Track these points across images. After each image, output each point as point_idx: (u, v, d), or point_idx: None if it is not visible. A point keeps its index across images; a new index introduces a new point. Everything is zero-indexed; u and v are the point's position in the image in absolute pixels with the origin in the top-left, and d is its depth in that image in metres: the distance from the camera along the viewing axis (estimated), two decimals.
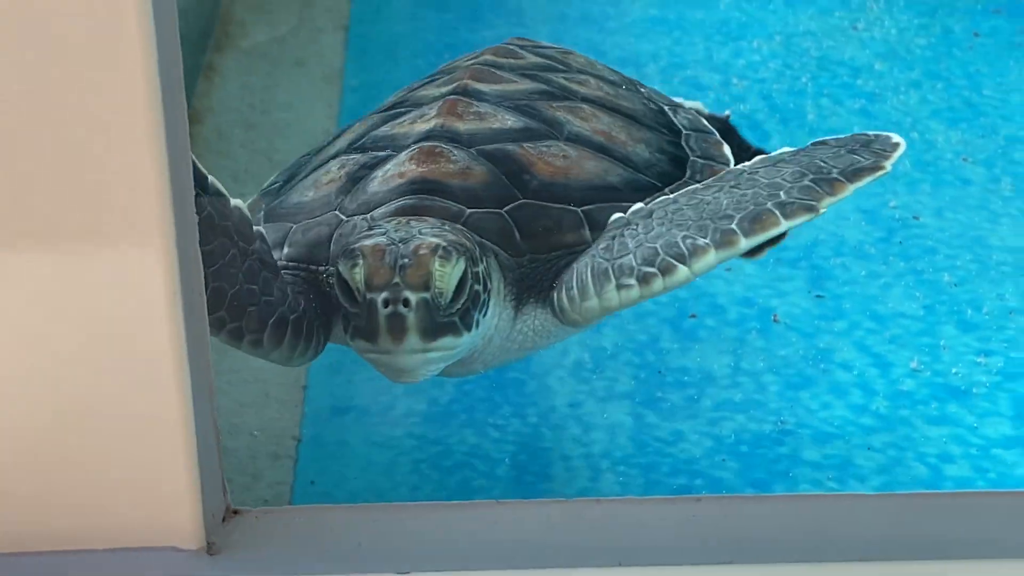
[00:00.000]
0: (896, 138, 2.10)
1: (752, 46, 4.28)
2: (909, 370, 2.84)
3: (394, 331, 1.82)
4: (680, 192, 2.05)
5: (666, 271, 1.92)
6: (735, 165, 2.44)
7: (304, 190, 2.22)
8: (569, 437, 2.69)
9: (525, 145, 2.16)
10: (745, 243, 1.92)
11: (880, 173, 2.02)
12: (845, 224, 3.35)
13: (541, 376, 2.86)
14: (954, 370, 2.83)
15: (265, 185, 2.43)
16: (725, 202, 1.97)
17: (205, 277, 1.80)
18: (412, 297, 1.82)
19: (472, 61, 2.45)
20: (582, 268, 1.97)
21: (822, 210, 1.95)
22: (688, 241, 1.92)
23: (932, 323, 2.98)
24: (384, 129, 2.28)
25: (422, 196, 2.05)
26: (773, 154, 2.11)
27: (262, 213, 2.23)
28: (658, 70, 4.16)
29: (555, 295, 2.01)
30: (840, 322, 3.00)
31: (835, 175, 1.98)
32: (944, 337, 2.94)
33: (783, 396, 2.80)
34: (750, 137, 3.65)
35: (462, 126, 2.19)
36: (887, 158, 2.04)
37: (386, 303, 1.82)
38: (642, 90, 2.59)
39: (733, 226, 1.92)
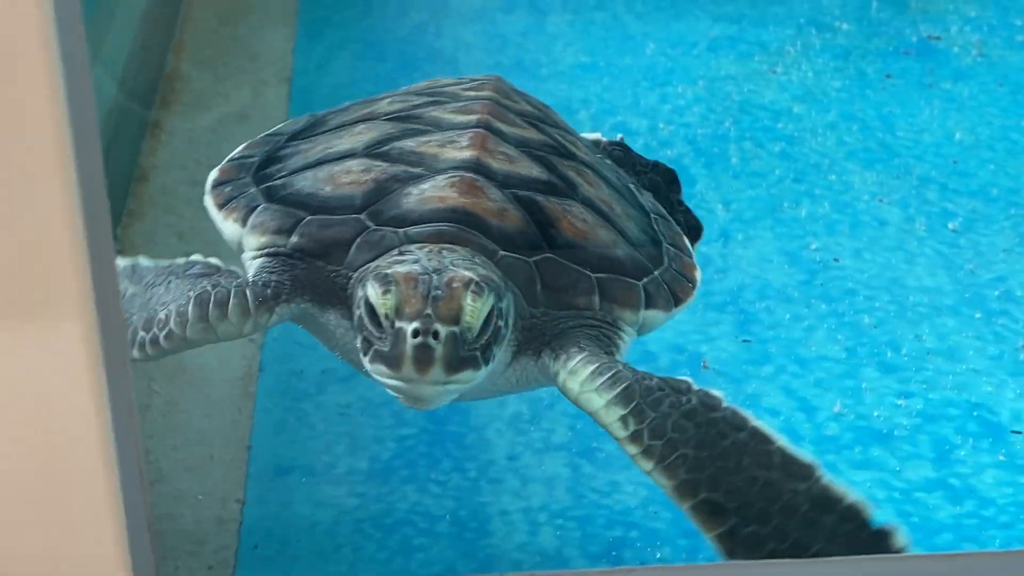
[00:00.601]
0: None
1: (678, 91, 4.20)
2: (833, 414, 2.76)
3: (420, 362, 1.75)
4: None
5: (646, 453, 1.90)
6: (631, 184, 2.47)
7: (317, 181, 2.11)
8: (508, 491, 2.59)
9: (551, 199, 2.10)
10: None
11: None
12: (769, 267, 3.27)
13: (480, 429, 2.76)
14: (876, 413, 2.76)
15: (235, 156, 2.36)
16: None
17: None
18: (442, 330, 1.75)
19: (477, 94, 2.37)
20: (616, 370, 1.91)
21: None
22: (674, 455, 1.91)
23: (854, 366, 2.91)
24: (409, 144, 2.18)
25: (463, 227, 1.96)
26: None
27: (254, 189, 2.16)
28: (589, 116, 4.07)
29: (566, 357, 1.96)
30: (767, 367, 2.92)
31: None
32: (865, 380, 2.86)
33: None
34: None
35: (495, 165, 2.11)
36: None
37: (415, 334, 1.74)
38: (607, 160, 2.56)
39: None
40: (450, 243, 1.93)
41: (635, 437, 1.88)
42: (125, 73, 3.70)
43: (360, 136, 2.24)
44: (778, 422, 2.75)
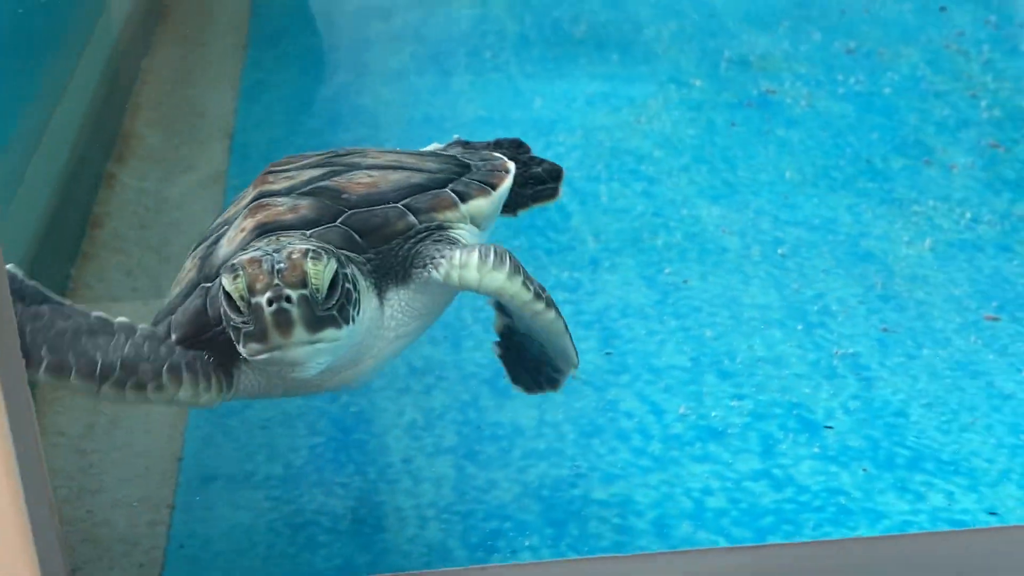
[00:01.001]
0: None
1: (559, 139, 4.14)
2: (678, 415, 2.71)
3: (281, 326, 1.65)
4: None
5: (536, 297, 1.93)
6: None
7: (170, 294, 2.01)
8: (402, 490, 2.52)
9: (333, 179, 2.00)
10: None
11: None
12: (630, 289, 3.22)
13: (381, 435, 2.68)
14: (713, 413, 2.71)
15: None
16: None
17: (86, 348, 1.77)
18: (293, 293, 1.65)
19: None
20: (493, 248, 1.89)
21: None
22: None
23: (697, 373, 2.85)
24: (218, 220, 2.11)
25: (268, 232, 1.86)
26: None
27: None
28: None
29: (446, 259, 1.90)
30: (625, 375, 2.86)
31: None
32: (706, 385, 2.81)
33: (578, 443, 2.65)
34: (555, 216, 3.57)
35: (276, 186, 2.00)
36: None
37: (270, 302, 1.64)
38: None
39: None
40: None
41: (537, 296, 1.91)
42: (83, 129, 3.59)
43: (192, 254, 2.10)
44: (632, 423, 2.70)
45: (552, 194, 2.48)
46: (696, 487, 2.49)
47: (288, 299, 1.65)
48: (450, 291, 1.98)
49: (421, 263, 1.91)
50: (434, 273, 1.89)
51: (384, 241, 1.90)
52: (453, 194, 2.01)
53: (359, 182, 1.99)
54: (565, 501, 2.47)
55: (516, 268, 1.88)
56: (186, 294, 1.93)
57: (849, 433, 2.62)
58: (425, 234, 1.94)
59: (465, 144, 2.53)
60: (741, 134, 4.11)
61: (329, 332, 1.70)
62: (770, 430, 2.64)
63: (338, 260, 1.74)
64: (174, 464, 2.57)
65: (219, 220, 2.12)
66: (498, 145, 2.50)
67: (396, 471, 2.57)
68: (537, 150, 4.02)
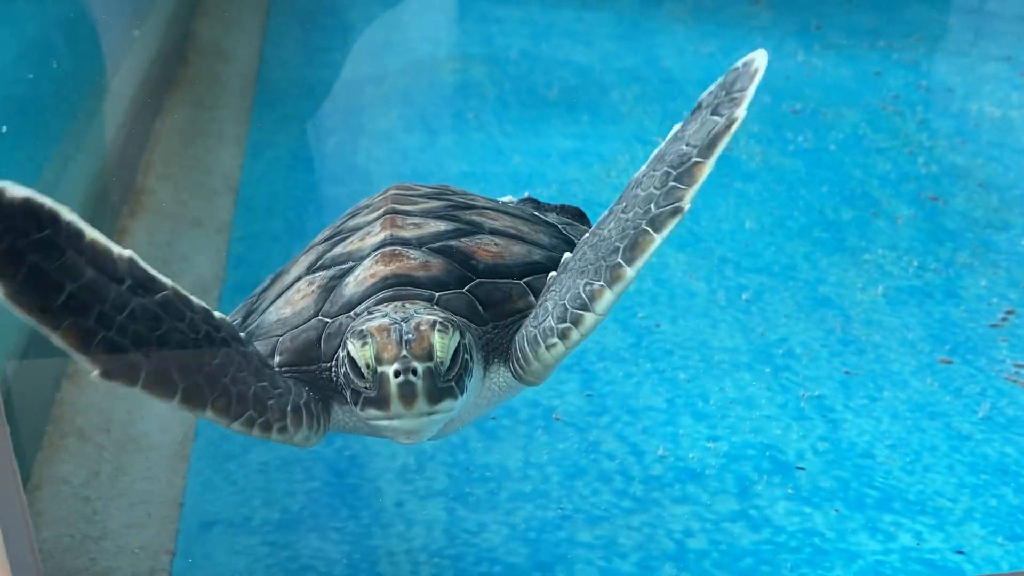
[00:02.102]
0: (757, 59, 1.55)
1: (536, 192, 3.89)
2: (657, 456, 2.47)
3: (405, 397, 1.47)
4: (586, 235, 1.65)
5: (577, 322, 1.57)
6: (535, 213, 2.10)
7: (278, 310, 1.77)
8: (394, 534, 2.27)
9: (463, 240, 1.79)
10: (632, 272, 1.53)
11: (734, 128, 1.52)
12: (606, 332, 2.99)
13: (374, 480, 2.43)
14: (691, 455, 2.48)
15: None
16: (614, 232, 1.56)
17: (225, 385, 1.47)
18: (419, 366, 1.47)
19: (383, 195, 2.02)
20: (520, 339, 1.63)
21: (687, 207, 1.52)
22: (587, 288, 1.56)
23: (673, 414, 2.63)
24: (337, 250, 1.84)
25: (397, 288, 1.66)
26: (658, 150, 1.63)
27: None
28: None
29: (512, 365, 1.67)
30: (605, 417, 2.63)
31: (694, 158, 1.52)
32: (682, 426, 2.58)
33: (563, 485, 2.41)
34: None
35: (407, 234, 1.79)
36: (740, 103, 1.53)
37: (397, 373, 1.46)
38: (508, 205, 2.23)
39: (619, 259, 1.53)
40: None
41: (563, 335, 1.59)
42: (97, 187, 3.33)
43: (302, 263, 1.91)
44: (614, 464, 2.47)
45: None
46: (677, 528, 2.25)
47: (415, 371, 1.46)
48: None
49: (512, 352, 1.68)
50: (512, 370, 1.68)
51: (503, 317, 1.68)
52: None
53: (487, 250, 1.77)
54: (551, 544, 2.23)
55: (549, 335, 1.60)
56: (302, 321, 1.70)
57: (820, 474, 2.39)
58: None
59: (536, 204, 2.32)
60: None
61: (447, 403, 1.51)
62: (745, 471, 2.41)
63: (460, 331, 1.54)
64: (175, 510, 2.31)
65: (337, 249, 1.86)
66: (563, 210, 2.28)
67: (389, 515, 2.32)
68: None
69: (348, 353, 1.53)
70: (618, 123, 4.54)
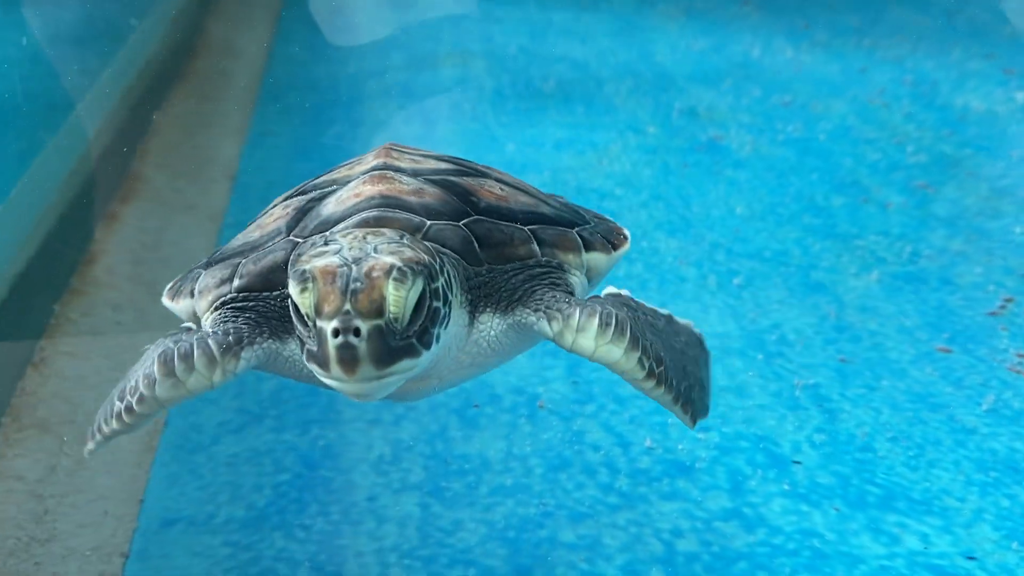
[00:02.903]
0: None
1: (530, 179, 3.53)
2: (644, 448, 2.12)
3: (345, 362, 1.09)
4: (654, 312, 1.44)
5: (660, 381, 1.37)
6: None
7: (248, 234, 1.42)
8: (364, 532, 1.92)
9: (465, 178, 1.42)
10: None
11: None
12: None
13: (347, 471, 2.08)
14: (680, 446, 2.12)
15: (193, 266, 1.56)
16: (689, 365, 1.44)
17: None
18: (363, 326, 1.08)
19: (375, 149, 1.56)
20: (617, 314, 1.29)
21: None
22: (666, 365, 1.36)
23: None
24: (322, 178, 1.49)
25: (384, 208, 1.29)
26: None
27: (198, 268, 1.42)
28: None
29: (561, 315, 1.29)
30: (590, 405, 2.27)
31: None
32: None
33: (545, 478, 2.06)
34: None
35: (403, 164, 1.42)
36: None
37: (336, 333, 1.08)
38: None
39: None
40: (377, 227, 1.26)
41: (650, 374, 1.33)
42: (82, 172, 2.99)
43: (284, 202, 1.49)
44: (599, 456, 2.11)
45: None
46: (666, 528, 1.90)
47: (357, 331, 1.09)
48: (540, 339, 1.38)
49: (533, 306, 1.31)
50: (545, 325, 1.30)
51: (502, 260, 1.32)
52: (579, 238, 1.41)
53: (490, 190, 1.40)
54: (532, 544, 1.88)
55: (635, 342, 1.29)
56: (268, 240, 1.35)
57: (818, 469, 2.03)
58: (542, 271, 1.35)
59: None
60: (693, 174, 3.53)
61: (404, 363, 1.13)
62: (738, 465, 2.06)
63: (429, 274, 1.15)
64: (135, 507, 1.96)
65: (322, 179, 1.51)
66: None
67: (360, 511, 1.97)
68: None
69: (290, 295, 1.16)
70: (611, 114, 4.16)
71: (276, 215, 1.41)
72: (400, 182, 1.35)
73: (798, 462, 2.05)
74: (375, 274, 1.10)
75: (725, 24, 5.44)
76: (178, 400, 1.28)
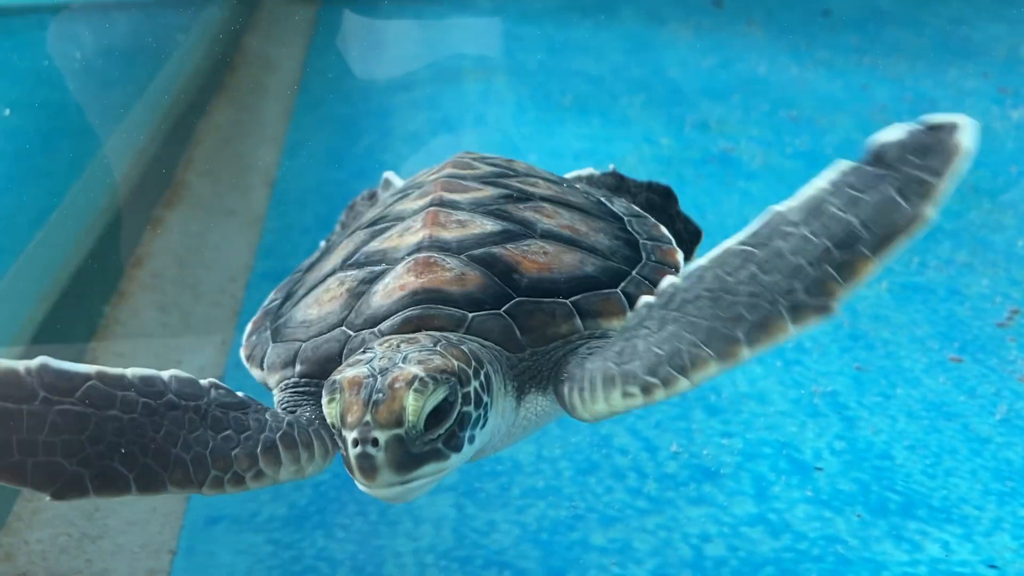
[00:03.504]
0: (959, 132, 1.04)
1: None
2: (671, 453, 2.04)
3: (364, 471, 1.05)
4: (693, 272, 1.15)
5: (668, 383, 1.11)
6: (602, 197, 1.59)
7: (307, 308, 1.36)
8: (402, 532, 1.84)
9: (508, 246, 1.32)
10: (748, 354, 1.07)
11: (917, 227, 1.02)
12: None
13: None
14: (705, 451, 2.04)
15: (265, 303, 1.53)
16: (744, 290, 1.10)
17: (177, 455, 1.12)
18: (382, 436, 1.04)
19: (437, 175, 1.54)
20: (594, 370, 1.15)
21: (837, 309, 1.05)
22: (692, 351, 1.09)
23: (685, 408, 2.19)
24: (374, 245, 1.40)
25: (426, 306, 1.22)
26: (781, 210, 1.15)
27: (268, 332, 1.38)
28: None
29: (565, 391, 1.18)
30: None
31: (860, 249, 1.03)
32: (695, 421, 2.14)
33: (575, 481, 1.98)
34: None
35: (448, 235, 1.34)
36: (928, 193, 1.01)
37: (356, 443, 1.04)
38: (577, 185, 1.68)
39: (739, 335, 1.07)
40: (418, 327, 1.20)
41: (647, 389, 1.12)
42: (130, 179, 2.92)
43: (340, 253, 1.47)
44: (627, 460, 2.03)
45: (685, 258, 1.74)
46: (694, 532, 1.82)
47: (375, 442, 1.04)
48: None
49: (562, 378, 1.21)
50: (564, 395, 1.20)
51: (544, 342, 1.24)
52: (623, 298, 1.29)
53: (533, 260, 1.30)
54: (564, 547, 1.80)
55: (608, 381, 1.14)
56: (326, 329, 1.29)
57: (839, 476, 1.95)
58: (583, 341, 1.25)
59: (620, 178, 1.83)
60: (707, 185, 3.44)
61: (428, 468, 1.08)
62: (762, 470, 1.97)
63: (459, 380, 1.09)
64: (181, 505, 1.89)
65: (383, 210, 1.47)
66: (650, 188, 1.78)
67: (397, 511, 1.90)
68: None
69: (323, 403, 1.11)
70: (627, 126, 4.08)
71: (332, 293, 1.35)
72: (442, 269, 1.28)
73: (820, 469, 1.97)
74: (397, 385, 1.06)
75: (731, 43, 5.35)
76: (288, 480, 1.21)
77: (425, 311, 1.22)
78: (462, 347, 1.16)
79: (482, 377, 1.14)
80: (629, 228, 1.49)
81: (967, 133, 1.05)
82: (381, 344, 1.16)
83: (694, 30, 5.60)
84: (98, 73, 2.98)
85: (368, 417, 1.04)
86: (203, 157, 3.65)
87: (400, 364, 1.10)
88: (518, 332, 1.22)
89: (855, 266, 1.04)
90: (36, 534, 1.75)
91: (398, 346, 1.14)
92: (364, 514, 1.88)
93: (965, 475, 1.94)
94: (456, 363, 1.12)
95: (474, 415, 1.13)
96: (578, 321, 1.24)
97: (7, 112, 2.63)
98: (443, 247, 1.33)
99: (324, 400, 1.10)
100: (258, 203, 3.39)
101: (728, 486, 1.93)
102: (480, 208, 1.42)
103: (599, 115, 4.22)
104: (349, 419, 1.06)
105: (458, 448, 1.10)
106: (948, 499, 1.88)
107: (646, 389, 1.12)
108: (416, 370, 1.08)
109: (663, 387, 1.11)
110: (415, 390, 1.06)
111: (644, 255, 1.41)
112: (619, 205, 1.60)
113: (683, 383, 1.11)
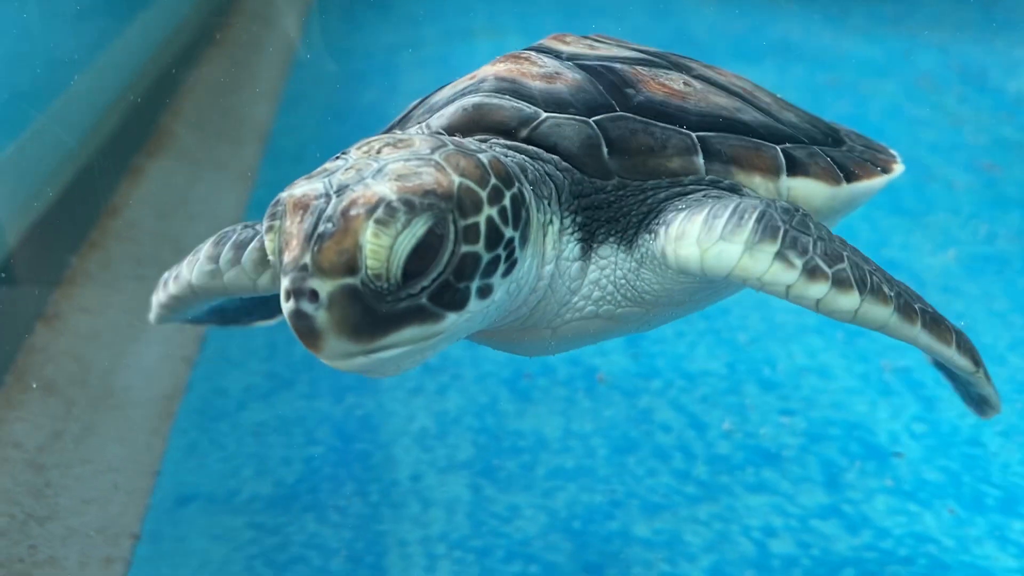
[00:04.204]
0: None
1: None
2: (722, 432, 1.76)
3: (302, 334, 0.73)
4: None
5: (839, 284, 0.85)
6: None
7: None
8: (408, 517, 1.57)
9: (638, 67, 1.01)
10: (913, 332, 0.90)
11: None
12: None
13: (387, 446, 1.73)
14: (762, 431, 1.76)
15: None
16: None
17: None
18: (321, 288, 0.72)
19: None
20: (720, 206, 0.85)
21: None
22: (876, 282, 0.86)
23: (735, 382, 1.91)
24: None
25: (491, 95, 0.92)
26: None
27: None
28: None
29: (662, 230, 0.88)
30: (656, 381, 1.92)
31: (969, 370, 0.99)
32: (747, 395, 1.87)
33: (610, 461, 1.70)
34: None
35: (564, 48, 1.04)
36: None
37: (287, 295, 0.72)
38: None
39: (918, 310, 0.90)
40: (474, 121, 0.90)
41: (810, 275, 0.85)
42: (108, 119, 2.64)
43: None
44: (671, 438, 1.76)
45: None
46: (756, 525, 1.54)
47: (313, 295, 0.72)
48: (724, 284, 0.94)
49: (656, 223, 0.90)
50: (652, 243, 0.90)
51: (643, 175, 0.91)
52: (783, 156, 0.96)
53: (664, 84, 0.98)
54: (601, 538, 1.53)
55: (769, 231, 0.84)
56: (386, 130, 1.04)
57: (922, 463, 1.67)
58: (702, 190, 0.92)
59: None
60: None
61: (408, 332, 0.76)
62: (830, 455, 1.70)
63: (456, 207, 0.76)
64: (148, 480, 1.62)
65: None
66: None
67: (402, 491, 1.62)
68: None
69: None
70: None
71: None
72: (534, 63, 0.97)
73: (900, 455, 1.69)
74: (353, 212, 0.74)
75: (760, 7, 5.07)
76: (210, 293, 0.98)
77: (485, 99, 0.92)
78: (480, 156, 0.82)
79: (506, 200, 0.80)
80: (837, 127, 1.17)
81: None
82: (359, 148, 0.83)
83: None
84: (75, 2, 2.70)
85: (307, 259, 0.72)
86: (192, 109, 3.36)
87: (368, 179, 0.76)
88: (605, 150, 0.89)
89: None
90: None
91: (379, 151, 0.81)
92: (363, 494, 1.60)
93: None
94: (457, 179, 0.78)
95: (486, 257, 0.79)
96: (699, 160, 0.92)
97: None
98: (552, 53, 1.02)
99: (264, 226, 0.78)
100: (250, 157, 3.12)
101: (792, 472, 1.66)
102: (601, 52, 1.08)
103: None
104: (285, 260, 0.75)
105: (458, 305, 0.77)
106: None
107: (811, 272, 0.84)
108: (385, 190, 0.75)
109: (827, 284, 0.85)
110: (376, 220, 0.73)
111: (846, 144, 1.10)
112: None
113: (847, 301, 0.86)
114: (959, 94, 3.73)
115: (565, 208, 0.89)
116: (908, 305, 0.87)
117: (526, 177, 0.85)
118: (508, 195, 0.80)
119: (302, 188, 0.77)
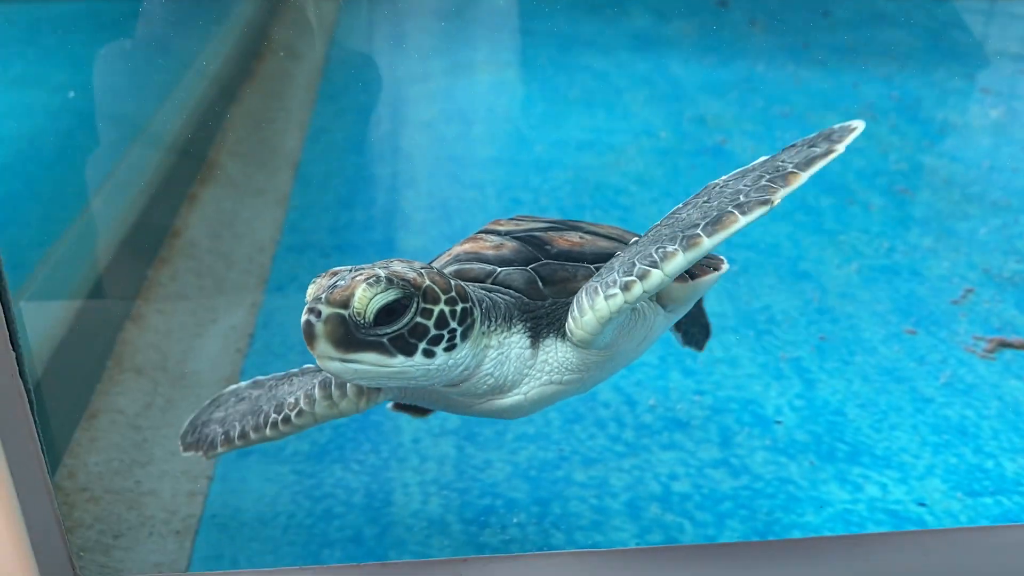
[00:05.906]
0: (855, 123, 1.37)
1: (555, 176, 3.70)
2: (648, 407, 2.26)
3: (306, 335, 1.17)
4: (663, 218, 1.32)
5: (643, 277, 1.20)
6: None
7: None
8: (409, 467, 2.07)
9: (550, 231, 1.46)
10: (709, 243, 1.18)
11: (832, 156, 1.30)
12: None
13: (395, 418, 2.24)
14: (679, 406, 2.26)
15: None
16: (695, 215, 1.25)
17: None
18: (324, 310, 1.16)
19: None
20: (580, 293, 1.27)
21: (776, 201, 1.24)
22: (660, 250, 1.21)
23: (664, 369, 2.41)
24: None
25: (464, 262, 1.37)
26: (725, 177, 1.38)
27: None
28: (495, 191, 3.56)
29: (567, 318, 1.29)
30: None
31: (790, 168, 1.28)
32: (672, 380, 2.36)
33: (562, 429, 2.20)
34: None
35: (502, 228, 1.49)
36: (840, 142, 1.32)
37: (305, 312, 1.18)
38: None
39: (698, 231, 1.20)
40: (458, 277, 1.35)
41: (626, 287, 1.21)
42: (169, 157, 3.15)
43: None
44: (609, 412, 2.25)
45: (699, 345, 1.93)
46: (664, 472, 2.04)
47: (318, 313, 1.17)
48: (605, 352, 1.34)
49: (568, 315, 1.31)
50: (567, 330, 1.31)
51: (566, 293, 1.34)
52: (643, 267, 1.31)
53: (567, 239, 1.43)
54: (550, 482, 2.03)
55: (594, 293, 1.24)
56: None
57: (796, 428, 2.17)
58: None
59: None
60: (700, 175, 3.64)
61: (370, 356, 1.18)
62: (727, 423, 2.19)
63: (423, 294, 1.19)
64: None
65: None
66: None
67: (406, 450, 2.13)
68: (535, 184, 3.63)
69: None
70: (628, 119, 4.28)
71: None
72: (485, 240, 1.43)
73: (779, 422, 2.18)
74: (357, 277, 1.19)
75: (733, 41, 5.52)
76: (328, 419, 1.41)
77: (461, 266, 1.38)
78: (449, 280, 1.26)
79: (457, 307, 1.24)
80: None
81: (859, 124, 1.35)
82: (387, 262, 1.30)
83: (698, 29, 5.77)
84: (139, 62, 3.20)
85: (323, 295, 1.18)
86: (234, 140, 3.88)
87: (375, 268, 1.22)
88: (540, 283, 1.35)
89: (788, 177, 1.27)
90: (94, 458, 1.98)
91: (392, 262, 1.27)
92: (377, 452, 2.10)
93: (907, 429, 2.15)
94: (427, 282, 1.21)
95: (433, 332, 1.22)
96: None
97: (71, 94, 2.86)
98: (494, 232, 1.47)
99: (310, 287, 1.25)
100: (284, 183, 3.62)
101: (696, 435, 2.15)
102: (524, 227, 1.51)
103: (603, 108, 4.42)
104: (310, 296, 1.21)
105: (408, 352, 1.20)
106: (890, 449, 2.09)
107: (626, 287, 1.21)
108: (381, 272, 1.19)
109: (639, 281, 1.21)
110: (367, 282, 1.17)
111: None
112: None
113: (655, 274, 1.20)
114: (892, 123, 4.20)
115: (517, 320, 1.34)
116: (688, 238, 1.20)
117: (480, 304, 1.30)
118: (460, 305, 1.25)
119: (339, 268, 1.25)
